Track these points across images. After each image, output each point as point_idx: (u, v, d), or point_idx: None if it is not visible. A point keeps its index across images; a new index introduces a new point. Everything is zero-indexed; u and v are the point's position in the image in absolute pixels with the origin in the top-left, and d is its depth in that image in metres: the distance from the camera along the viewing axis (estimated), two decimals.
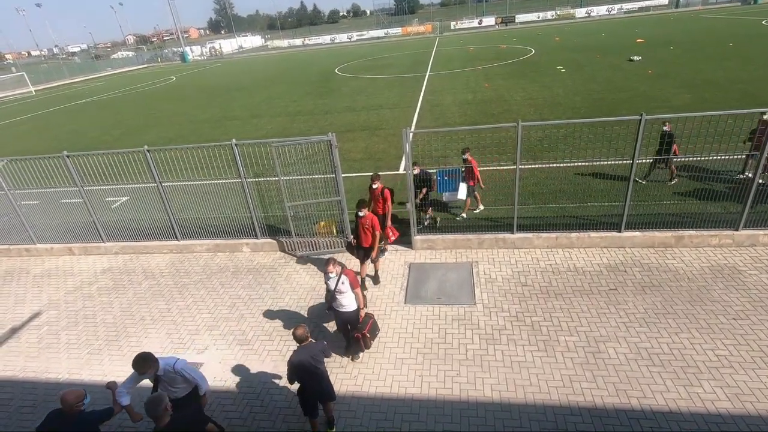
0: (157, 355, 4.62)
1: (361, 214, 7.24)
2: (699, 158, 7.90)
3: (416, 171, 8.70)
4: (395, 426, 5.19)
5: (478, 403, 5.35)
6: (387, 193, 8.19)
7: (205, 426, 4.17)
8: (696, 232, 7.78)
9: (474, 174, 9.02)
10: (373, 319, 6.25)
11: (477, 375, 5.74)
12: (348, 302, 5.89)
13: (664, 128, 9.19)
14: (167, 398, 4.01)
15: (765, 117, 9.08)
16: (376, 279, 7.84)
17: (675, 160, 9.66)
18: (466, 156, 9.01)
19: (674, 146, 9.26)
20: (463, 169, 8.70)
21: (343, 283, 5.77)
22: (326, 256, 8.39)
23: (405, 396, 5.56)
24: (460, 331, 6.51)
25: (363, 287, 7.42)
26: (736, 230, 7.65)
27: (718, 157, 8.92)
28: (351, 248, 7.85)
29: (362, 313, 6.09)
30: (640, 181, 9.87)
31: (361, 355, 6.21)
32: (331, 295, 5.92)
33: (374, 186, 8.11)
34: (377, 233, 7.29)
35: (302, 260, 8.91)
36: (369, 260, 7.60)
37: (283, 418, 5.47)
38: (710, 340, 5.84)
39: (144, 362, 4.49)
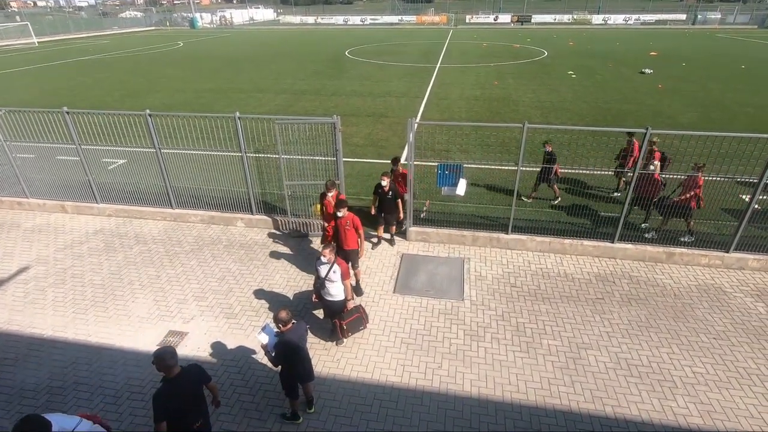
0: (52, 415, 3.59)
1: (340, 214, 6.68)
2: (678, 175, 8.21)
3: (384, 182, 7.82)
4: (373, 411, 5.26)
5: (456, 397, 5.43)
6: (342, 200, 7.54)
7: (209, 381, 4.31)
8: (687, 250, 7.86)
9: (404, 184, 8.49)
10: (360, 313, 6.16)
11: (458, 369, 5.81)
12: (336, 292, 5.84)
13: (546, 149, 9.28)
14: (175, 351, 4.01)
15: (629, 138, 9.54)
16: (357, 290, 7.29)
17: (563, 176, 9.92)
18: (397, 166, 8.44)
19: (556, 166, 9.36)
20: (389, 181, 7.90)
21: (334, 272, 5.70)
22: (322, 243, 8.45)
23: (386, 383, 5.63)
24: (446, 325, 6.58)
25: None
26: (727, 252, 7.73)
27: (720, 178, 8.99)
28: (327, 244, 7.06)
29: (350, 304, 6.04)
30: (525, 199, 9.95)
31: (345, 340, 6.26)
32: (320, 282, 5.86)
33: (329, 194, 7.28)
34: (360, 232, 6.86)
35: (295, 240, 8.91)
36: (350, 265, 6.95)
37: (263, 394, 5.53)
38: (689, 356, 5.95)
39: None
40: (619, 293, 7.21)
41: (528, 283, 7.48)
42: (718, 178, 8.47)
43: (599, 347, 6.12)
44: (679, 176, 8.19)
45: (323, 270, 5.76)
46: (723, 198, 9.57)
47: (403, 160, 12.04)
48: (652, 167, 8.32)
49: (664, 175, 8.31)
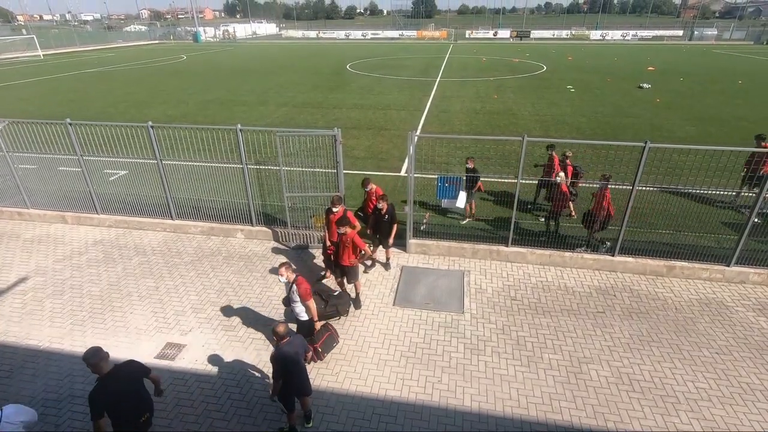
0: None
1: (341, 231, 6.59)
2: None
3: (381, 204, 7.48)
4: (372, 426, 5.19)
5: (456, 412, 5.36)
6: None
7: (148, 374, 4.37)
8: (688, 263, 7.84)
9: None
10: (331, 332, 6.09)
11: (458, 383, 5.75)
12: (299, 311, 5.68)
13: (468, 165, 9.28)
14: (100, 348, 4.08)
15: (550, 151, 9.76)
16: (357, 303, 7.23)
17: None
18: (369, 187, 8.00)
19: (479, 183, 9.31)
20: (386, 204, 7.64)
21: (293, 292, 5.52)
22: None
23: (384, 397, 5.56)
24: (446, 338, 6.52)
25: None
26: (728, 266, 7.71)
27: (705, 190, 8.99)
28: (328, 261, 7.29)
29: (317, 325, 5.88)
30: (461, 222, 9.78)
31: (343, 354, 6.20)
32: (286, 300, 5.76)
33: (334, 209, 7.15)
34: (361, 249, 6.80)
35: (295, 252, 8.89)
36: (346, 280, 7.07)
37: (261, 407, 5.46)
38: (692, 371, 5.89)
39: None
40: (620, 307, 7.16)
41: (528, 297, 7.44)
42: (719, 192, 8.49)
43: (601, 361, 6.06)
44: (593, 185, 8.21)
45: (286, 289, 5.64)
46: (722, 211, 9.59)
47: (403, 172, 12.12)
48: (558, 179, 8.33)
49: (583, 184, 8.35)
